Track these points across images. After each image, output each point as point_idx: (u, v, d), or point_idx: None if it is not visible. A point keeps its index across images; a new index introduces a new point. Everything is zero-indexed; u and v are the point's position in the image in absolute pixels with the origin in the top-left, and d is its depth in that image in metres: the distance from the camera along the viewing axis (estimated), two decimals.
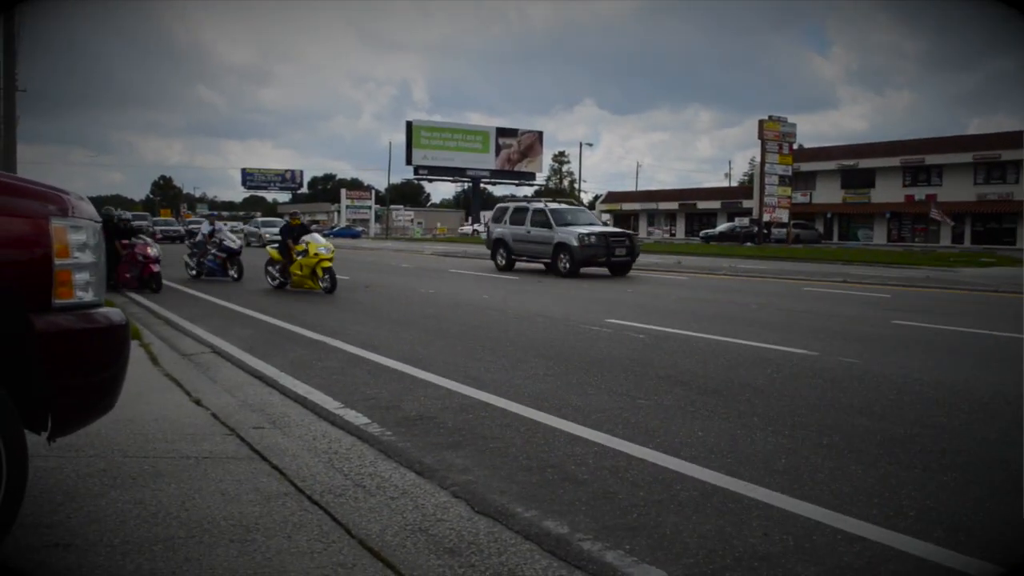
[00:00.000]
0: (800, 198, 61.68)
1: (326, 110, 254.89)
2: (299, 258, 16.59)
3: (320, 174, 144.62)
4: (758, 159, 56.11)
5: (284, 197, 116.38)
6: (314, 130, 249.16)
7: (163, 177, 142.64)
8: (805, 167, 62.74)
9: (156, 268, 16.37)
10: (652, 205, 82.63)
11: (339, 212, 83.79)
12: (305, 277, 16.42)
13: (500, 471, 4.67)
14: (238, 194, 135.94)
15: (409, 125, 62.46)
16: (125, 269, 16.44)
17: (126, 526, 3.56)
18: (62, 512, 3.70)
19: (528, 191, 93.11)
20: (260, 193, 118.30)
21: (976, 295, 17.89)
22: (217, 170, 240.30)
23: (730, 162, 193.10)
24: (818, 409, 6.30)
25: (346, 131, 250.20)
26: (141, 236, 18.09)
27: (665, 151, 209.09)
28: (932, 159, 59.71)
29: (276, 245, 18.06)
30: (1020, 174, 55.42)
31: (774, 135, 52.64)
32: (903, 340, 10.24)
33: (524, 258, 24.22)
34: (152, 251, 16.59)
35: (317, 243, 16.60)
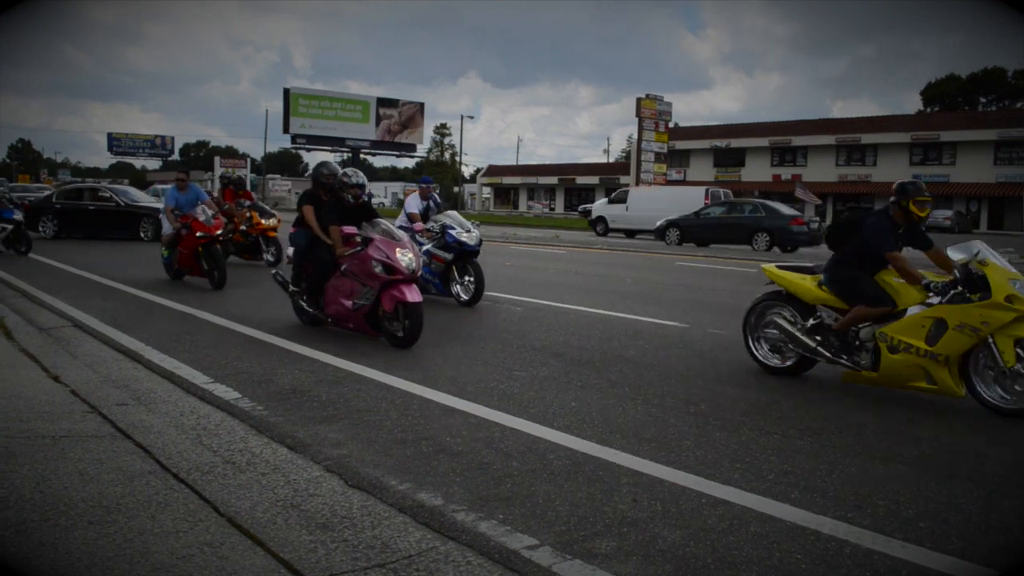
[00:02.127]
0: (675, 175, 63.34)
1: (200, 73, 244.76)
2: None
3: (192, 141, 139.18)
4: (635, 136, 57.28)
5: (154, 164, 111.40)
6: (186, 94, 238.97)
7: (21, 140, 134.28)
8: (680, 145, 64.46)
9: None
10: (532, 179, 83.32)
11: (212, 181, 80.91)
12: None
13: (374, 444, 4.64)
14: (104, 160, 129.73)
15: (287, 93, 60.72)
16: None
17: None
18: None
19: (409, 163, 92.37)
20: (128, 159, 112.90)
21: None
22: (80, 134, 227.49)
23: (608, 139, 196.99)
24: (687, 379, 6.51)
25: (222, 96, 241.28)
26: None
27: (546, 126, 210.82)
28: (798, 140, 62.43)
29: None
30: (878, 156, 58.65)
31: (651, 113, 53.76)
32: None
33: None
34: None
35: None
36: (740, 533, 3.53)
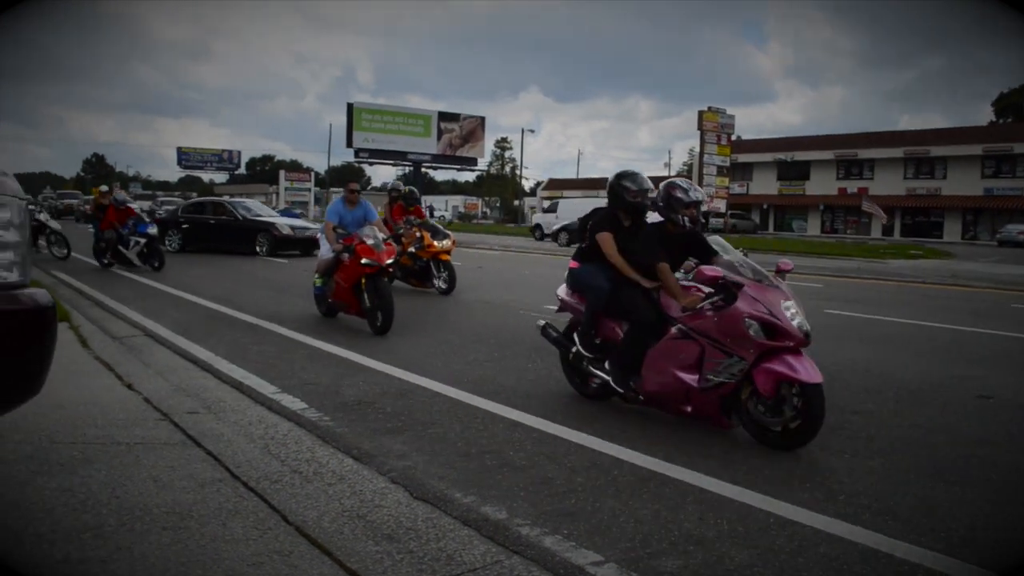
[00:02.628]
0: (737, 189, 62.77)
1: (267, 90, 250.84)
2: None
3: (258, 155, 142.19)
4: (697, 149, 56.86)
5: (221, 178, 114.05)
6: (252, 110, 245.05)
7: (95, 154, 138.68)
8: (743, 158, 63.79)
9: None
10: (593, 193, 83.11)
11: (278, 194, 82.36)
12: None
13: (439, 457, 4.66)
14: (173, 173, 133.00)
15: (350, 107, 61.64)
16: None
17: (54, 514, 3.46)
18: None
19: (470, 176, 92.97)
20: (196, 173, 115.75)
21: (905, 286, 18.40)
22: (151, 148, 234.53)
23: (669, 152, 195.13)
24: None
25: (288, 112, 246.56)
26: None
27: (606, 139, 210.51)
28: (864, 153, 61.25)
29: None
30: (948, 169, 57.17)
31: (713, 126, 53.38)
32: (834, 329, 10.48)
33: None
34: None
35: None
36: (809, 555, 3.46)
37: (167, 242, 22.22)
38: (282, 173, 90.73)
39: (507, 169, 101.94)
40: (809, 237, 55.32)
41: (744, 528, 3.72)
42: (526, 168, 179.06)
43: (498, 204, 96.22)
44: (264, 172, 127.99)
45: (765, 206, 67.27)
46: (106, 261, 17.12)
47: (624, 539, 3.56)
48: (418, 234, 13.43)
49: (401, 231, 13.35)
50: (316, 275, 10.45)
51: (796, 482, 4.38)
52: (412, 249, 13.39)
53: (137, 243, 16.71)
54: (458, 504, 3.91)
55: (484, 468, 4.48)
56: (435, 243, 13.39)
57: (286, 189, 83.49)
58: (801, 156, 64.66)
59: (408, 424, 5.34)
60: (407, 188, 14.77)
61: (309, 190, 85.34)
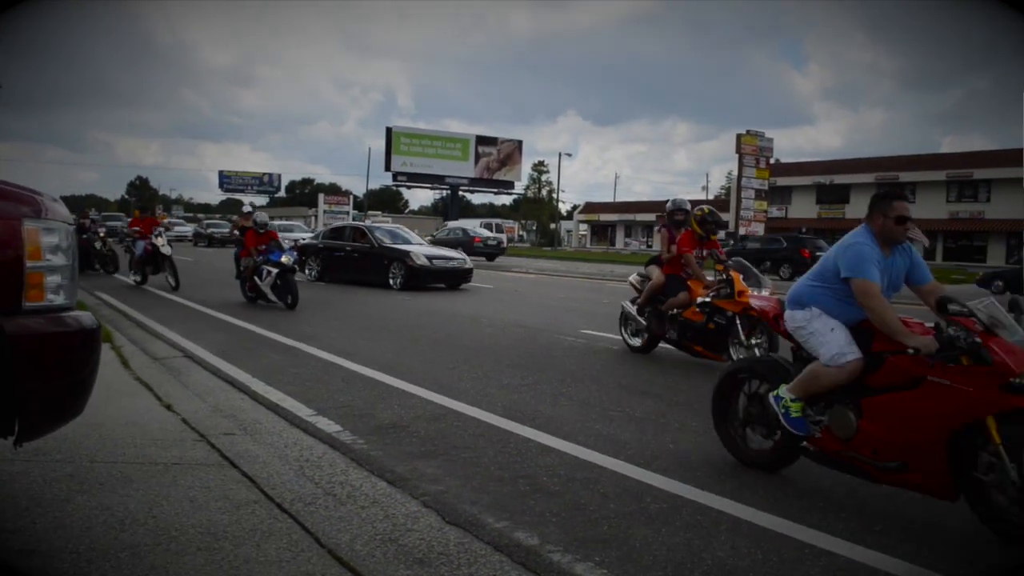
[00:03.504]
0: (776, 212, 62.25)
1: (307, 114, 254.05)
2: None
3: (298, 178, 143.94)
4: (735, 173, 56.58)
5: (261, 200, 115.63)
6: (294, 134, 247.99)
7: (139, 177, 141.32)
8: (781, 182, 63.30)
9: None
10: (630, 216, 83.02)
11: (317, 217, 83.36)
12: None
13: (471, 481, 4.67)
14: (214, 196, 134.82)
15: (389, 131, 62.35)
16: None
17: (92, 532, 3.52)
18: (27, 517, 3.66)
19: (506, 199, 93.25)
20: (237, 196, 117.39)
21: None
22: (193, 171, 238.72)
23: (707, 175, 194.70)
24: None
25: (328, 136, 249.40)
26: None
27: (643, 163, 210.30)
28: (906, 176, 60.45)
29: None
30: (992, 192, 56.27)
31: (751, 149, 53.06)
32: None
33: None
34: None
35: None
36: None
37: (307, 271, 20.65)
38: (321, 196, 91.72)
39: (544, 192, 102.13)
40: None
41: (778, 558, 3.68)
42: (563, 191, 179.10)
43: (535, 227, 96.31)
44: (304, 195, 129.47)
45: (804, 229, 66.52)
46: (251, 295, 14.87)
47: (656, 568, 3.54)
48: (725, 276, 8.80)
49: (691, 272, 9.36)
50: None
51: (832, 511, 4.32)
52: (707, 298, 8.88)
53: (269, 273, 14.28)
54: (490, 529, 3.91)
55: (517, 493, 4.49)
56: (749, 290, 8.53)
57: (325, 212, 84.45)
58: (841, 179, 64.03)
59: (442, 448, 5.36)
60: (707, 208, 9.89)
61: (348, 213, 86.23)
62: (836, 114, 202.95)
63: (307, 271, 20.77)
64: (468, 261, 20.41)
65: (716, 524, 4.08)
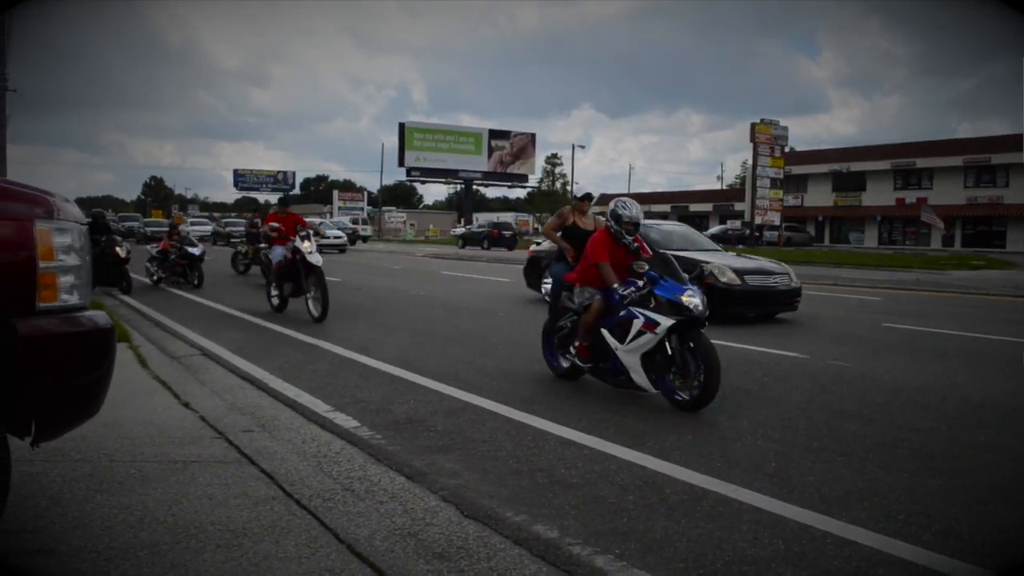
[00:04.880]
0: (792, 201, 61.87)
1: (323, 112, 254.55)
2: None
3: (312, 175, 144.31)
4: (750, 162, 56.31)
5: (276, 198, 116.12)
6: (307, 131, 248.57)
7: (154, 178, 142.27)
8: (796, 170, 62.88)
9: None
10: (645, 207, 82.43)
11: (331, 213, 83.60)
12: None
13: (490, 475, 4.65)
14: (229, 195, 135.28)
15: (402, 127, 62.43)
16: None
17: (112, 531, 3.53)
18: (47, 518, 3.67)
19: (520, 193, 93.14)
20: (252, 194, 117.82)
21: (966, 298, 17.95)
22: (208, 171, 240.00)
23: (722, 164, 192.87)
24: (808, 412, 6.30)
25: (343, 133, 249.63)
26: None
27: (656, 153, 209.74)
28: (922, 162, 59.94)
29: None
30: (1010, 177, 55.68)
31: (766, 138, 52.79)
32: (893, 343, 10.26)
33: None
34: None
35: None
36: None
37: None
38: (335, 193, 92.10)
39: (558, 185, 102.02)
40: (866, 249, 54.30)
41: (800, 548, 3.64)
42: (577, 184, 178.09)
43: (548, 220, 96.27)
44: (318, 192, 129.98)
45: (820, 218, 66.20)
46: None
47: (677, 559, 3.51)
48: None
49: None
50: None
51: (854, 500, 4.28)
52: None
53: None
54: (509, 523, 3.90)
55: (535, 486, 4.47)
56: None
57: (339, 208, 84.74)
58: (857, 167, 63.54)
59: (459, 442, 5.35)
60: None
61: (362, 209, 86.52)
62: (851, 102, 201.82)
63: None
64: (793, 276, 13.24)
65: (737, 515, 4.05)
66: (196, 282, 17.41)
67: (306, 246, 12.25)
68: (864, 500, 4.29)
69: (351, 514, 3.89)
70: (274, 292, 13.01)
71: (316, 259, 12.20)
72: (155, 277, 18.17)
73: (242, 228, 28.55)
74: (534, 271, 15.34)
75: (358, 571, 3.23)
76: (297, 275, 12.36)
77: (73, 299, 3.12)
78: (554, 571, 3.34)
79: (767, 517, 4.02)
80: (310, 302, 12.12)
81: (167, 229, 19.96)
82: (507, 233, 52.26)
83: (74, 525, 3.59)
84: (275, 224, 13.35)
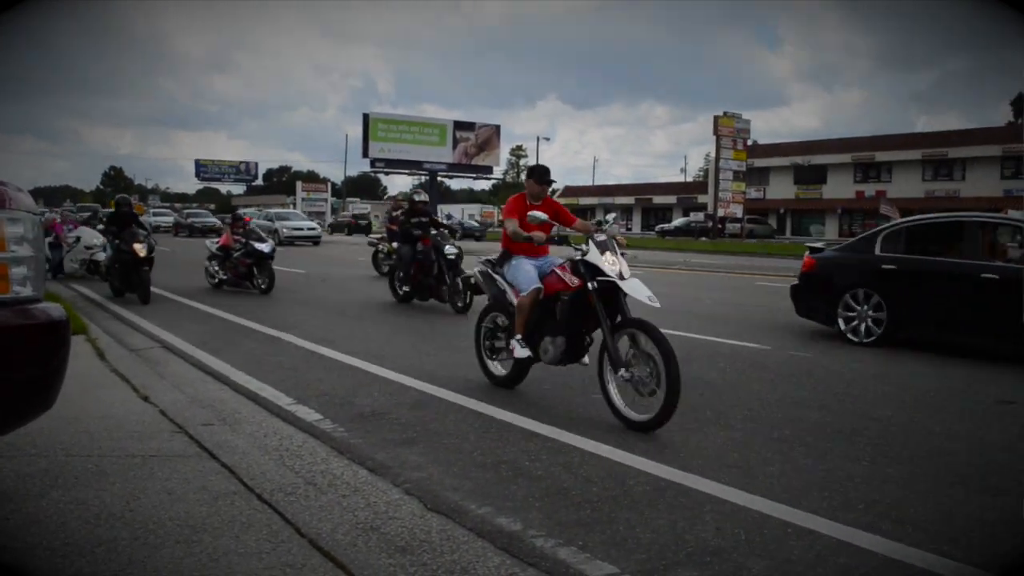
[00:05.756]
0: (754, 193, 62.40)
1: (287, 102, 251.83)
2: None
3: (275, 166, 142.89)
4: (713, 155, 56.74)
5: (239, 189, 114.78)
6: (271, 121, 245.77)
7: (113, 167, 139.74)
8: (759, 163, 63.49)
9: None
10: (608, 199, 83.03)
11: (295, 204, 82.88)
12: None
13: (453, 468, 4.64)
14: (191, 186, 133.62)
15: (366, 117, 61.85)
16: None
17: (67, 528, 3.46)
18: (0, 514, 3.59)
19: (485, 185, 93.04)
20: (214, 185, 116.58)
21: None
22: (169, 161, 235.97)
23: (685, 157, 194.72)
24: (769, 403, 6.36)
25: (307, 122, 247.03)
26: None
27: (621, 146, 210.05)
28: (882, 156, 60.81)
29: None
30: (967, 171, 56.72)
31: (728, 131, 53.27)
32: None
33: None
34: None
35: None
36: (828, 565, 3.41)
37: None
38: (299, 184, 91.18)
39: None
40: (827, 241, 54.91)
41: (761, 538, 3.67)
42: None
43: None
44: (281, 183, 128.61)
45: (782, 210, 66.90)
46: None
47: (640, 550, 3.53)
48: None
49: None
50: None
51: (814, 490, 4.33)
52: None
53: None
54: (473, 515, 3.89)
55: (499, 479, 4.46)
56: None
57: (303, 200, 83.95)
58: (818, 160, 64.28)
59: (423, 435, 5.33)
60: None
61: (326, 200, 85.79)
62: (812, 95, 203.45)
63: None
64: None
65: (700, 506, 4.08)
66: (264, 284, 14.49)
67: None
68: (824, 490, 4.34)
69: (313, 508, 3.85)
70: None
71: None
72: (216, 279, 15.41)
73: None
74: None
75: (320, 566, 3.20)
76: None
77: (26, 291, 3.05)
78: (517, 564, 3.33)
79: (729, 507, 4.05)
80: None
81: (214, 221, 18.23)
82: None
83: (29, 521, 3.52)
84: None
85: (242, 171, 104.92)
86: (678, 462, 4.77)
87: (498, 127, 66.94)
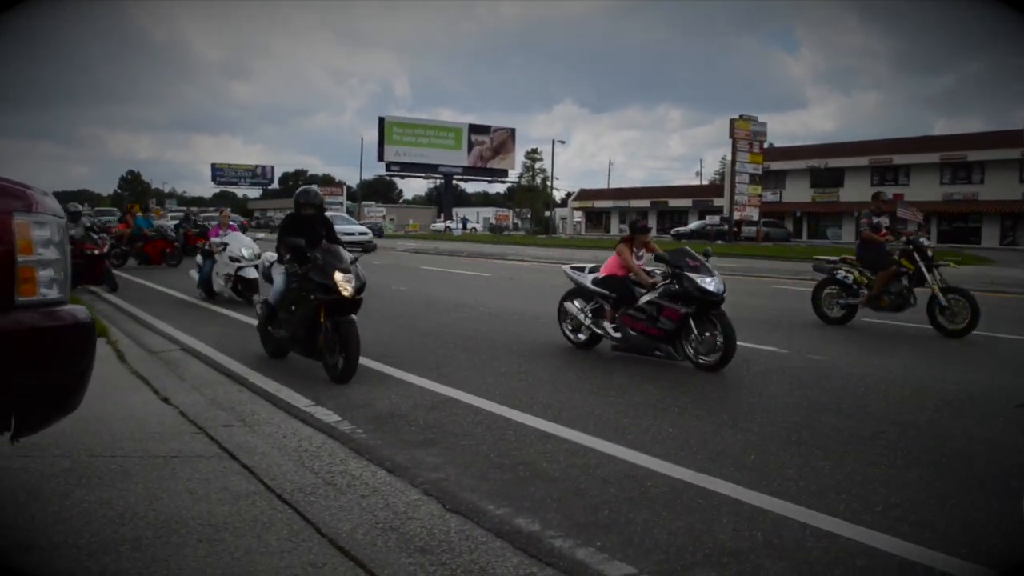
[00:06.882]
0: (770, 196, 62.19)
1: (305, 106, 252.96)
2: None
3: (291, 169, 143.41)
4: (729, 158, 56.57)
5: (255, 193, 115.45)
6: (288, 126, 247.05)
7: (131, 171, 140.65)
8: (775, 166, 63.22)
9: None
10: (624, 203, 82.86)
11: None
12: None
13: (471, 469, 4.66)
14: (207, 189, 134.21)
15: (382, 121, 62.23)
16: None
17: (92, 526, 3.51)
18: (26, 513, 3.64)
19: (500, 188, 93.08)
20: (230, 189, 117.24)
21: None
22: (186, 165, 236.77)
23: (701, 160, 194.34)
24: (786, 406, 6.35)
25: (324, 127, 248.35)
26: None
27: (636, 149, 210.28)
28: (900, 159, 60.40)
29: None
30: (985, 174, 56.28)
31: (745, 134, 53.10)
32: (871, 337, 10.35)
33: None
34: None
35: None
36: (846, 567, 3.41)
37: None
38: (315, 187, 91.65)
39: (538, 180, 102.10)
40: (843, 244, 54.65)
41: (779, 540, 3.68)
42: (557, 179, 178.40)
43: (528, 215, 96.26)
44: (297, 186, 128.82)
45: (798, 214, 66.58)
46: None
47: (657, 551, 3.54)
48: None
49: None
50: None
51: (832, 493, 4.32)
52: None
53: None
54: (491, 516, 3.91)
55: (517, 480, 4.48)
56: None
57: None
58: (835, 163, 63.91)
59: (440, 436, 5.36)
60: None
61: (341, 204, 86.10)
62: (829, 98, 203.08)
63: None
64: None
65: (717, 507, 4.08)
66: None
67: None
68: (842, 492, 4.34)
69: (333, 508, 3.88)
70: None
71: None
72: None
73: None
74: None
75: (340, 565, 3.23)
76: None
77: (53, 293, 3.10)
78: (536, 564, 3.35)
79: (747, 509, 4.06)
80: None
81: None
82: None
83: (53, 520, 3.57)
84: None
85: (258, 175, 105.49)
86: (696, 464, 4.78)
87: (513, 131, 67.05)
